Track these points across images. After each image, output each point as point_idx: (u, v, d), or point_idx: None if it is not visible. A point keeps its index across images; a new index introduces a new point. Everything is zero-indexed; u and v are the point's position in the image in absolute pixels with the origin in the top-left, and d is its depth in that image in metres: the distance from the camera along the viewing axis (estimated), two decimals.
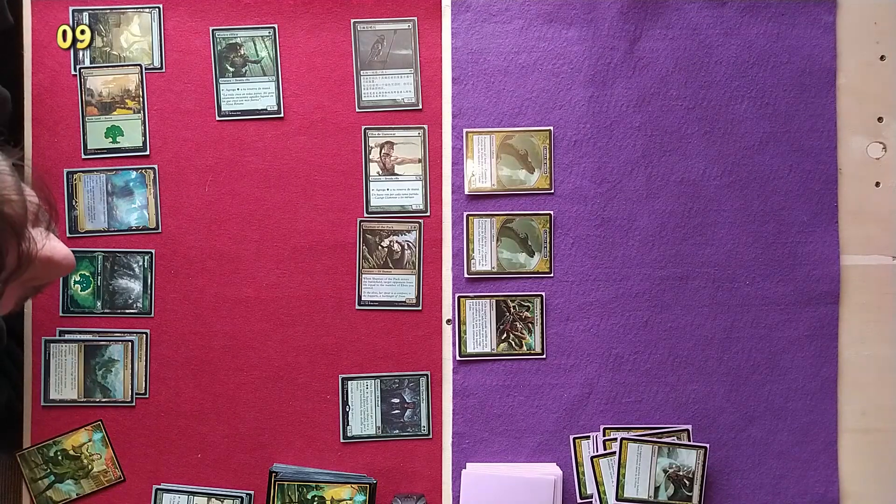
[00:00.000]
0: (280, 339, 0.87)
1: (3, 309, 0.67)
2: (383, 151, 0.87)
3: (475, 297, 0.87)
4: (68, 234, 0.87)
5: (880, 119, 0.88)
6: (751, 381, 0.87)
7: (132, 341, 0.86)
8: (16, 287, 0.66)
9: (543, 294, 0.87)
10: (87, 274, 0.87)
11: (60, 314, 0.87)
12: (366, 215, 0.87)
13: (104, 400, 0.86)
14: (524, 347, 0.87)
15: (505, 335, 0.87)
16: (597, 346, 0.87)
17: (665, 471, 0.84)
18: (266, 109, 0.87)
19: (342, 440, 0.86)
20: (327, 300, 0.87)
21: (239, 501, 0.85)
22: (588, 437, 0.86)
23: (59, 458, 0.86)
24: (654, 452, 0.84)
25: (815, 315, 0.87)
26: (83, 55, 0.87)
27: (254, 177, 0.87)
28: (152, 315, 0.87)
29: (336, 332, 0.87)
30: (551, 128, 0.87)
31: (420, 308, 0.87)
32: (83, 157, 0.87)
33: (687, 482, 0.84)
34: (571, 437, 0.86)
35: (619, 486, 0.84)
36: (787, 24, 0.88)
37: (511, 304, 0.87)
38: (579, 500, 0.86)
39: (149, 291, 0.87)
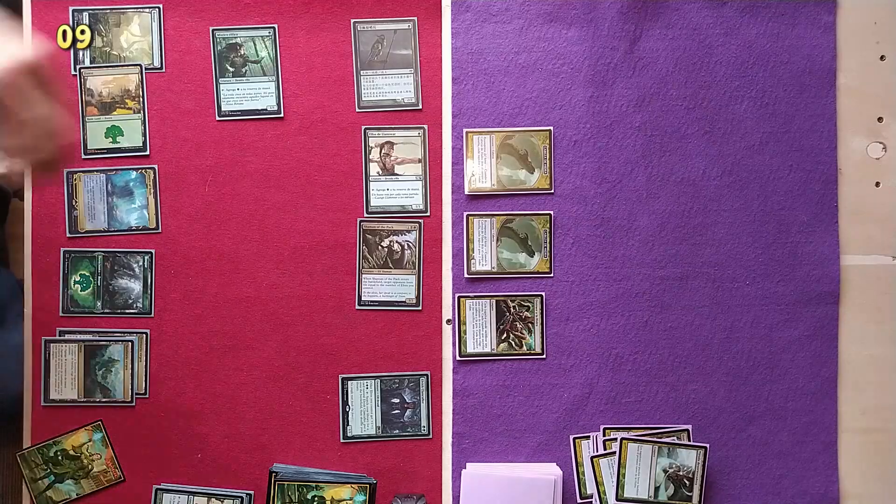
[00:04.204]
0: (280, 339, 0.87)
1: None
2: (383, 151, 0.87)
3: (475, 297, 0.87)
4: (68, 234, 0.87)
5: (880, 119, 0.88)
6: (751, 381, 0.87)
7: (132, 341, 0.86)
8: (14, 150, 0.62)
9: (543, 294, 0.87)
10: (87, 274, 0.87)
11: (60, 314, 0.87)
12: (366, 215, 0.87)
13: (104, 400, 0.86)
14: (524, 347, 0.87)
15: (505, 335, 0.87)
16: (597, 346, 0.87)
17: (665, 471, 0.84)
18: (266, 109, 0.87)
19: (342, 440, 0.86)
20: (327, 300, 0.87)
21: (239, 501, 0.85)
22: (588, 437, 0.86)
23: (59, 458, 0.86)
24: (654, 452, 0.84)
25: (815, 315, 0.87)
26: (83, 55, 0.87)
27: (254, 177, 0.87)
28: (152, 315, 0.87)
29: (336, 332, 0.87)
30: (551, 128, 0.87)
31: (420, 308, 0.87)
32: (83, 157, 0.87)
33: (687, 482, 0.84)
34: (571, 437, 0.86)
35: (619, 486, 0.84)
36: (787, 24, 0.88)
37: (511, 304, 0.87)
38: (579, 500, 0.86)
39: (149, 291, 0.87)
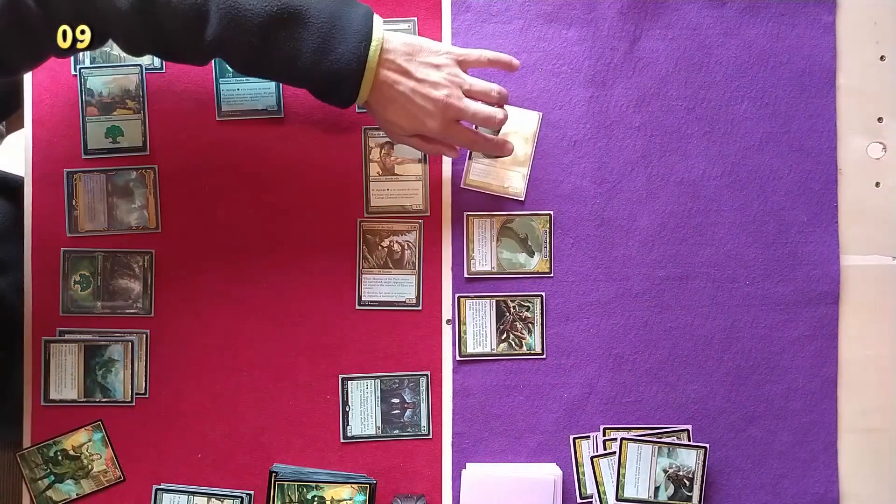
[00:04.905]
0: (280, 339, 0.87)
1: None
2: (383, 151, 0.87)
3: (475, 297, 0.87)
4: (68, 234, 0.87)
5: (880, 119, 0.88)
6: (751, 381, 0.87)
7: (132, 341, 0.86)
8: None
9: (543, 294, 0.87)
10: (87, 274, 0.87)
11: (60, 314, 0.87)
12: (366, 215, 0.87)
13: (104, 400, 0.86)
14: (524, 347, 0.87)
15: (505, 335, 0.87)
16: (597, 346, 0.87)
17: (665, 471, 0.84)
18: (266, 109, 0.87)
19: (342, 440, 0.86)
20: (327, 300, 0.87)
21: (239, 501, 0.85)
22: (588, 437, 0.86)
23: (59, 458, 0.86)
24: (654, 452, 0.84)
25: (815, 315, 0.87)
26: (83, 55, 0.87)
27: (254, 177, 0.87)
28: (152, 315, 0.87)
29: (336, 332, 0.87)
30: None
31: (420, 308, 0.87)
32: (83, 156, 0.87)
33: (687, 482, 0.84)
34: (571, 437, 0.86)
35: (619, 486, 0.84)
36: (787, 24, 0.88)
37: (511, 304, 0.87)
38: (579, 500, 0.86)
39: (149, 291, 0.87)
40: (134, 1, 0.67)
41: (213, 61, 0.86)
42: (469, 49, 0.81)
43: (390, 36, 0.75)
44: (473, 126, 0.83)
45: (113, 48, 0.87)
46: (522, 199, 0.87)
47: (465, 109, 0.77)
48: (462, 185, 0.87)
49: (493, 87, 0.80)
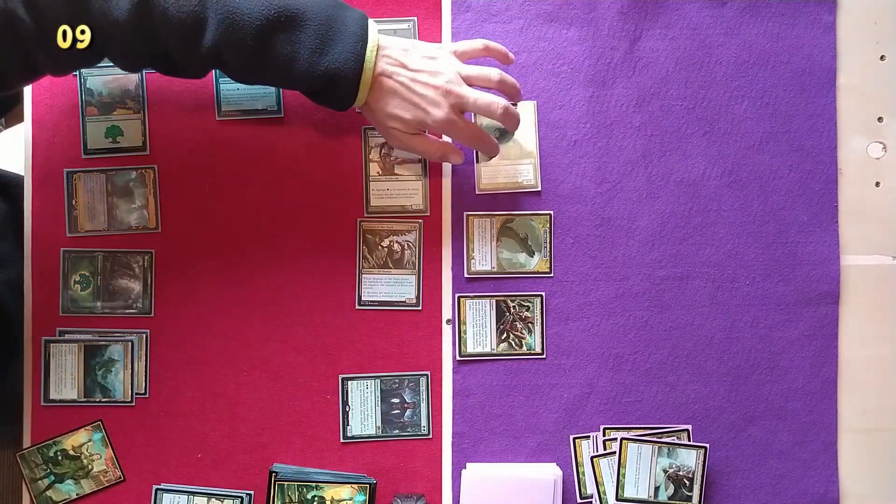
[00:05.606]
0: (280, 339, 0.87)
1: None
2: (383, 151, 0.87)
3: (475, 297, 0.87)
4: (68, 234, 0.87)
5: (880, 119, 0.88)
6: (751, 381, 0.87)
7: (132, 341, 0.86)
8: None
9: (543, 294, 0.87)
10: (87, 274, 0.87)
11: (60, 314, 0.87)
12: (366, 215, 0.87)
13: (104, 400, 0.86)
14: (524, 347, 0.87)
15: (505, 335, 0.87)
16: (597, 346, 0.87)
17: (665, 471, 0.84)
18: (266, 109, 0.87)
19: (342, 440, 0.86)
20: (327, 300, 0.87)
21: (239, 501, 0.85)
22: (588, 437, 0.86)
23: (59, 458, 0.86)
24: (654, 452, 0.84)
25: (815, 315, 0.87)
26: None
27: (253, 177, 0.87)
28: (152, 315, 0.87)
29: (336, 332, 0.87)
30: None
31: (420, 308, 0.87)
32: (83, 156, 0.87)
33: (687, 482, 0.84)
34: (571, 437, 0.86)
35: (619, 486, 0.84)
36: (787, 24, 0.88)
37: (511, 304, 0.87)
38: (579, 500, 0.86)
39: (149, 291, 0.87)
40: (131, 9, 0.67)
41: None
42: (463, 41, 0.81)
43: (385, 36, 0.75)
44: (474, 120, 0.83)
45: None
46: (538, 189, 0.86)
47: (466, 95, 0.76)
48: (477, 192, 0.87)
49: (493, 71, 0.78)
